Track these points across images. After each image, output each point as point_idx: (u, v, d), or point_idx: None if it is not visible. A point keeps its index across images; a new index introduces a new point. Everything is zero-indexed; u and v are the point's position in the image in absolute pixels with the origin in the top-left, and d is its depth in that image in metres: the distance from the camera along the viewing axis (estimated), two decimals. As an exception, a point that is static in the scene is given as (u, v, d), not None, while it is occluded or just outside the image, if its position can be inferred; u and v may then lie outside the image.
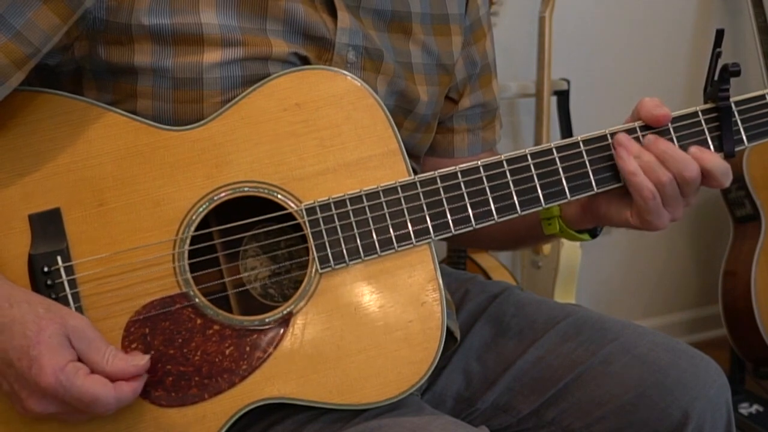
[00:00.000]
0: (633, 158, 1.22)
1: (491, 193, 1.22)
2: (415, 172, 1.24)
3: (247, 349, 1.17)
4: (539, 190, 1.23)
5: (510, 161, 1.23)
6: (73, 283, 1.15)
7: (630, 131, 1.25)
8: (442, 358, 1.20)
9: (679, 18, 3.21)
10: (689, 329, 3.42)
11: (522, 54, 2.86)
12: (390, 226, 1.20)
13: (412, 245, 1.20)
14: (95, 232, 1.16)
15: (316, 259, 1.18)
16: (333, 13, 1.27)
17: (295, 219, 1.19)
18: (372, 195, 1.20)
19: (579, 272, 2.68)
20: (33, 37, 1.12)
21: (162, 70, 1.18)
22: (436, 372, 1.23)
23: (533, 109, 2.77)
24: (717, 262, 3.04)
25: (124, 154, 1.18)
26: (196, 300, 1.16)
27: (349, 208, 1.19)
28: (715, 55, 1.23)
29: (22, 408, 1.08)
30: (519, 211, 1.23)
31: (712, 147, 1.26)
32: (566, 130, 2.85)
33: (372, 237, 1.19)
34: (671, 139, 1.25)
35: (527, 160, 1.23)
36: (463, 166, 1.22)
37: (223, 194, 1.18)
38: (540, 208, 1.24)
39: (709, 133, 1.26)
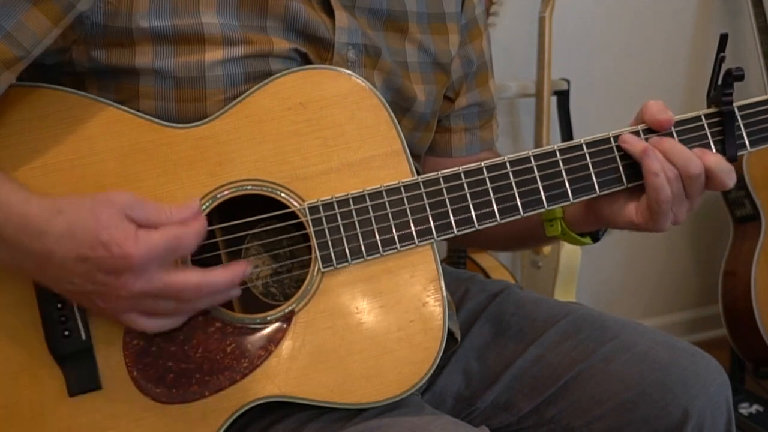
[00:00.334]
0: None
1: (494, 194, 1.22)
2: (418, 172, 1.24)
3: (249, 347, 1.17)
4: (542, 192, 1.23)
5: (513, 163, 1.23)
6: (75, 280, 1.15)
7: (633, 134, 1.25)
8: (442, 358, 1.20)
9: (679, 18, 3.21)
10: (689, 329, 3.42)
11: (522, 54, 2.86)
12: (393, 225, 1.20)
13: (414, 245, 1.20)
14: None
15: (319, 258, 1.18)
16: (330, 12, 1.27)
17: (297, 218, 1.19)
18: (375, 194, 1.20)
19: (579, 272, 2.68)
20: (23, 39, 1.11)
21: (164, 70, 1.18)
22: (436, 371, 1.23)
23: (533, 109, 2.77)
24: (717, 262, 3.04)
25: (127, 150, 1.18)
26: (198, 298, 1.16)
27: (352, 207, 1.19)
28: (719, 60, 1.24)
29: (117, 294, 1.08)
30: (522, 213, 1.23)
31: (714, 151, 1.26)
32: (566, 130, 2.85)
33: (374, 236, 1.19)
34: (674, 142, 1.25)
35: (530, 162, 1.23)
36: (467, 166, 1.22)
37: (225, 192, 1.18)
38: (542, 209, 1.24)
39: (712, 137, 1.26)
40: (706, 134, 1.26)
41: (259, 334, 1.17)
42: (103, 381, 1.15)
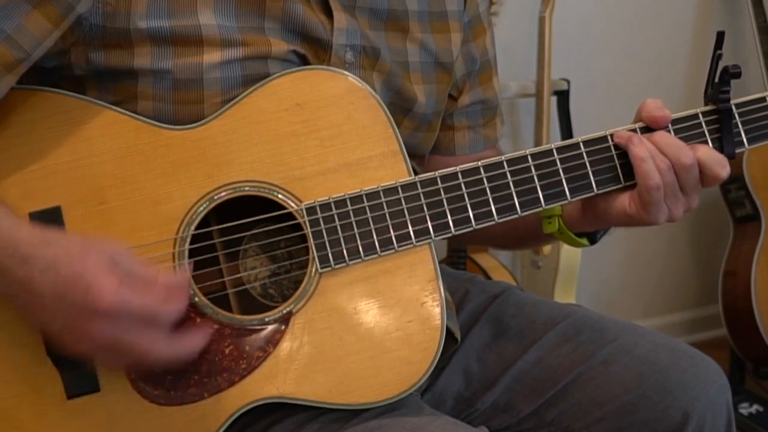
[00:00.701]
0: (645, 146, 1.22)
1: (491, 193, 1.22)
2: (416, 173, 1.24)
3: (247, 348, 1.17)
4: (539, 191, 1.23)
5: (510, 162, 1.23)
6: (73, 281, 1.15)
7: (631, 132, 1.25)
8: (442, 359, 1.20)
9: (679, 18, 3.21)
10: (689, 329, 3.42)
11: (522, 54, 2.86)
12: (390, 226, 1.20)
13: (412, 245, 1.20)
14: (95, 231, 1.16)
15: (316, 258, 1.18)
16: (329, 13, 1.27)
17: (295, 219, 1.19)
18: (372, 195, 1.20)
19: (579, 272, 2.68)
20: (23, 42, 1.11)
21: (162, 72, 1.18)
22: (436, 372, 1.23)
23: (533, 109, 2.77)
24: (717, 262, 3.04)
25: (124, 152, 1.18)
26: (196, 299, 1.16)
27: (350, 207, 1.19)
28: (716, 57, 1.24)
29: (81, 338, 1.07)
30: (519, 212, 1.23)
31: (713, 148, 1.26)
32: (566, 130, 2.85)
33: (372, 237, 1.19)
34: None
35: (528, 161, 1.23)
36: (464, 166, 1.22)
37: (223, 193, 1.18)
38: (540, 209, 1.24)
39: (710, 135, 1.26)
40: (703, 132, 1.26)
41: (257, 336, 1.17)
42: (101, 383, 1.14)
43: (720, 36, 1.24)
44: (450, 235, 1.21)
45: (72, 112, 1.18)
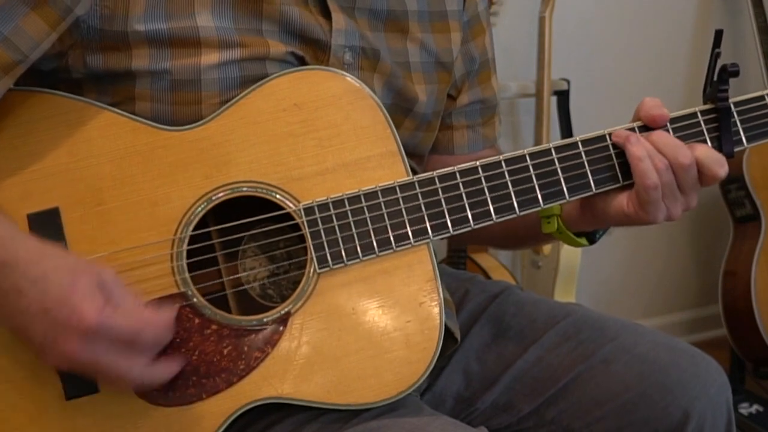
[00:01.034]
0: (642, 145, 1.22)
1: (490, 193, 1.22)
2: (415, 173, 1.24)
3: (245, 348, 1.17)
4: (538, 191, 1.23)
5: (508, 161, 1.23)
6: (71, 283, 1.15)
7: (629, 131, 1.25)
8: (441, 358, 1.20)
9: (679, 18, 3.21)
10: (689, 329, 3.42)
11: (522, 54, 2.86)
12: (388, 226, 1.19)
13: (410, 245, 1.20)
14: (94, 232, 1.16)
15: (314, 259, 1.18)
16: (327, 15, 1.27)
17: (293, 219, 1.19)
18: (370, 195, 1.20)
19: (579, 272, 2.68)
20: (21, 44, 1.11)
21: (160, 73, 1.18)
22: (435, 372, 1.23)
23: (533, 109, 2.77)
24: (717, 262, 3.04)
25: (122, 153, 1.18)
26: (194, 300, 1.16)
27: (348, 208, 1.19)
28: (715, 56, 1.23)
29: (59, 353, 1.06)
30: (517, 212, 1.22)
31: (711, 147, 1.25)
32: (566, 130, 2.85)
33: (370, 237, 1.19)
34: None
35: (526, 161, 1.23)
36: (462, 166, 1.22)
37: (221, 194, 1.18)
38: (538, 208, 1.24)
39: (708, 133, 1.26)
40: (702, 131, 1.26)
41: (255, 336, 1.17)
42: (100, 384, 1.14)
43: (718, 34, 1.24)
44: (448, 235, 1.21)
45: (70, 113, 1.18)
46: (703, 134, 1.26)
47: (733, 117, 1.27)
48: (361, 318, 1.18)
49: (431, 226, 1.20)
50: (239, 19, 1.22)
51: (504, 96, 2.76)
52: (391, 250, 1.19)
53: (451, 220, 1.21)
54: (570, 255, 2.63)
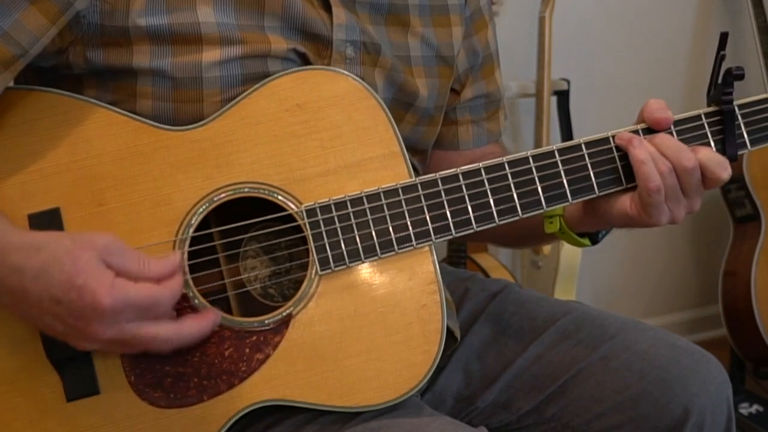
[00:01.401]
0: (645, 148, 1.22)
1: (492, 195, 1.22)
2: (417, 172, 1.24)
3: (247, 350, 1.16)
4: (540, 193, 1.23)
5: (511, 163, 1.22)
6: (72, 283, 1.14)
7: (632, 133, 1.25)
8: (442, 358, 1.20)
9: (680, 18, 3.21)
10: (689, 329, 3.42)
11: (522, 54, 2.85)
12: (390, 227, 1.19)
13: (412, 247, 1.20)
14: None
15: (317, 260, 1.18)
16: (328, 9, 1.27)
17: (295, 220, 1.19)
18: (373, 196, 1.19)
19: (579, 272, 2.68)
20: (21, 38, 1.11)
21: (161, 71, 1.18)
22: (435, 371, 1.22)
23: (533, 109, 2.77)
24: (717, 262, 3.04)
25: (124, 153, 1.17)
26: (196, 301, 1.16)
27: (350, 209, 1.19)
28: (719, 58, 1.23)
29: (85, 338, 1.07)
30: (520, 214, 1.22)
31: (714, 150, 1.25)
32: (566, 130, 2.85)
33: (372, 239, 1.19)
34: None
35: (529, 163, 1.23)
36: (465, 168, 1.22)
37: (223, 195, 1.18)
38: (541, 210, 1.23)
39: (712, 136, 1.26)
40: (706, 133, 1.26)
41: (257, 338, 1.17)
42: (100, 386, 1.14)
43: (723, 37, 1.23)
44: (451, 236, 1.21)
45: (71, 112, 1.17)
46: (707, 137, 1.26)
47: (737, 120, 1.27)
48: (362, 320, 1.18)
49: (433, 228, 1.20)
50: (241, 14, 1.21)
51: (504, 96, 2.75)
52: (393, 252, 1.19)
53: (454, 222, 1.21)
54: (570, 255, 2.63)
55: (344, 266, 1.18)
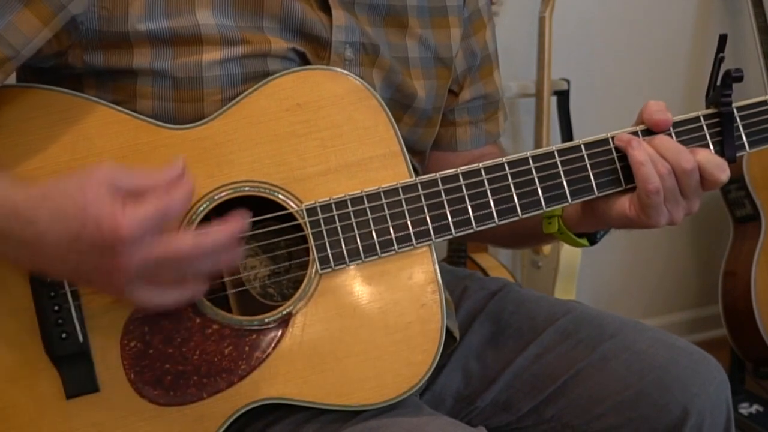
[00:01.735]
0: (644, 149, 1.22)
1: (492, 195, 1.22)
2: (417, 172, 1.24)
3: (246, 349, 1.17)
4: (540, 193, 1.23)
5: (511, 164, 1.23)
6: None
7: (632, 135, 1.25)
8: (441, 357, 1.20)
9: (680, 18, 3.21)
10: (689, 329, 3.42)
11: (522, 54, 2.85)
12: (391, 227, 1.19)
13: (412, 247, 1.20)
14: None
15: (317, 259, 1.18)
16: (327, 10, 1.27)
17: (295, 219, 1.19)
18: (373, 196, 1.19)
19: (579, 272, 2.68)
20: (13, 40, 1.11)
21: (161, 71, 1.18)
22: (435, 371, 1.23)
23: (533, 109, 2.77)
24: (717, 262, 3.04)
25: (125, 152, 1.17)
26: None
27: (350, 209, 1.19)
28: (718, 60, 1.23)
29: (116, 273, 1.05)
30: (520, 214, 1.22)
31: (713, 152, 1.25)
32: (566, 130, 2.85)
33: (372, 238, 1.19)
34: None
35: (529, 163, 1.23)
36: (465, 168, 1.22)
37: (223, 194, 1.18)
38: (541, 211, 1.23)
39: (711, 138, 1.26)
40: (704, 135, 1.26)
41: (257, 337, 1.17)
42: (100, 383, 1.14)
43: (722, 39, 1.24)
44: (450, 236, 1.21)
45: (71, 110, 1.17)
46: (706, 139, 1.26)
47: (736, 122, 1.27)
48: (362, 319, 1.18)
49: (433, 228, 1.20)
50: (240, 16, 1.21)
51: (504, 96, 2.75)
52: (393, 251, 1.19)
53: (454, 222, 1.21)
54: (570, 255, 2.62)
55: (344, 265, 1.18)
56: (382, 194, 1.20)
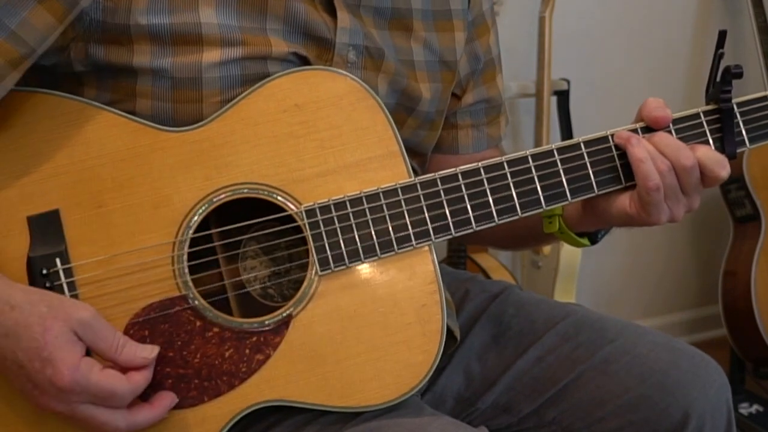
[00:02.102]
0: (643, 146, 1.22)
1: (492, 194, 1.22)
2: (417, 173, 1.24)
3: (247, 351, 1.16)
4: (540, 192, 1.22)
5: (511, 163, 1.22)
6: (72, 286, 1.14)
7: (631, 132, 1.25)
8: (442, 358, 1.20)
9: (680, 18, 3.21)
10: (689, 329, 3.42)
11: (522, 54, 2.85)
12: (390, 227, 1.19)
13: (412, 247, 1.20)
14: (94, 234, 1.16)
15: (316, 261, 1.18)
16: (332, 12, 1.27)
17: (295, 221, 1.19)
18: (372, 197, 1.19)
19: (579, 272, 2.68)
20: (28, 37, 1.11)
21: (161, 70, 1.18)
22: (436, 372, 1.23)
23: (533, 109, 2.77)
24: (717, 262, 3.04)
25: (123, 155, 1.17)
26: (196, 302, 1.16)
27: (349, 210, 1.19)
28: (718, 56, 1.23)
29: (36, 405, 1.08)
30: (519, 213, 1.22)
31: (713, 149, 1.25)
32: (566, 130, 2.85)
33: (372, 239, 1.19)
34: (671, 140, 1.25)
35: (528, 162, 1.23)
36: (464, 167, 1.22)
37: (222, 196, 1.18)
38: (540, 210, 1.23)
39: (711, 134, 1.26)
40: (704, 131, 1.26)
41: (257, 339, 1.17)
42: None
43: (722, 35, 1.23)
44: (450, 236, 1.21)
45: (70, 114, 1.17)
46: (706, 135, 1.26)
47: (736, 118, 1.27)
48: (362, 320, 1.18)
49: (433, 228, 1.20)
50: (243, 17, 1.21)
51: (504, 96, 2.75)
52: (392, 252, 1.19)
53: (453, 222, 1.21)
54: (570, 255, 2.62)
55: (344, 266, 1.18)
56: (381, 195, 1.20)
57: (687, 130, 1.25)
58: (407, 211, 1.20)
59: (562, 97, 2.86)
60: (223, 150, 1.18)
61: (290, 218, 1.19)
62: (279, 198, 1.18)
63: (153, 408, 1.12)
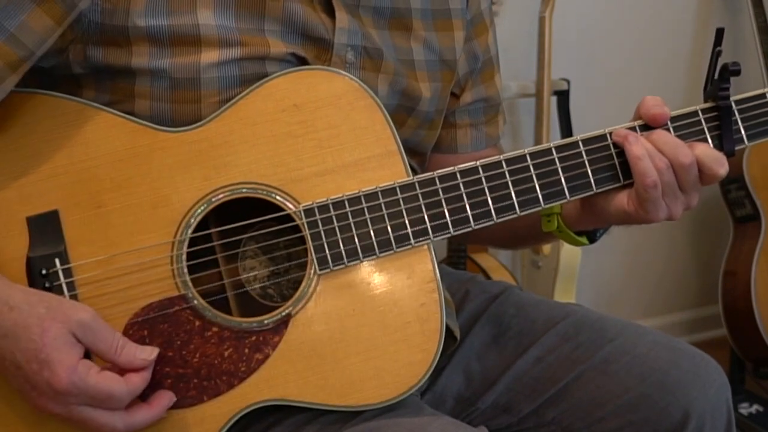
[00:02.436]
0: (641, 144, 1.22)
1: (490, 193, 1.22)
2: (415, 173, 1.24)
3: (246, 351, 1.16)
4: (538, 190, 1.22)
5: (509, 161, 1.22)
6: (71, 286, 1.15)
7: (629, 130, 1.25)
8: (442, 358, 1.20)
9: (680, 18, 3.21)
10: (689, 329, 3.42)
11: (522, 54, 2.85)
12: (389, 226, 1.19)
13: (410, 246, 1.20)
14: (93, 235, 1.16)
15: (315, 260, 1.18)
16: (331, 13, 1.27)
17: (293, 220, 1.19)
18: (370, 196, 1.19)
19: (579, 272, 2.68)
20: (27, 40, 1.11)
21: (159, 71, 1.18)
22: (436, 372, 1.23)
23: (533, 109, 2.77)
24: (717, 262, 3.04)
25: (122, 155, 1.17)
26: (195, 302, 1.16)
27: (348, 209, 1.19)
28: (716, 54, 1.23)
29: (34, 406, 1.09)
30: (518, 212, 1.22)
31: (711, 146, 1.25)
32: (566, 130, 2.85)
33: (371, 238, 1.19)
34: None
35: (526, 161, 1.23)
36: (462, 166, 1.22)
37: (221, 195, 1.18)
38: (539, 208, 1.23)
39: (709, 132, 1.26)
40: (703, 129, 1.26)
41: (256, 338, 1.17)
42: None
43: (719, 33, 1.23)
44: (449, 235, 1.21)
45: (68, 115, 1.17)
46: (704, 133, 1.25)
47: (734, 115, 1.26)
48: (361, 319, 1.18)
49: (432, 227, 1.20)
50: (241, 18, 1.21)
51: (504, 96, 2.73)
52: (391, 251, 1.19)
53: (452, 221, 1.21)
54: (570, 255, 2.62)
55: (343, 266, 1.18)
56: (379, 194, 1.20)
57: (685, 127, 1.25)
58: (406, 210, 1.20)
59: (562, 97, 2.86)
60: (222, 150, 1.18)
61: (289, 218, 1.19)
62: (278, 197, 1.18)
63: (151, 408, 1.12)
